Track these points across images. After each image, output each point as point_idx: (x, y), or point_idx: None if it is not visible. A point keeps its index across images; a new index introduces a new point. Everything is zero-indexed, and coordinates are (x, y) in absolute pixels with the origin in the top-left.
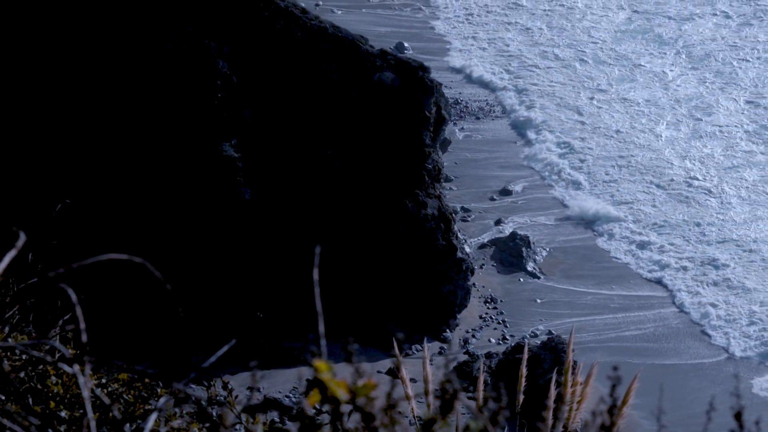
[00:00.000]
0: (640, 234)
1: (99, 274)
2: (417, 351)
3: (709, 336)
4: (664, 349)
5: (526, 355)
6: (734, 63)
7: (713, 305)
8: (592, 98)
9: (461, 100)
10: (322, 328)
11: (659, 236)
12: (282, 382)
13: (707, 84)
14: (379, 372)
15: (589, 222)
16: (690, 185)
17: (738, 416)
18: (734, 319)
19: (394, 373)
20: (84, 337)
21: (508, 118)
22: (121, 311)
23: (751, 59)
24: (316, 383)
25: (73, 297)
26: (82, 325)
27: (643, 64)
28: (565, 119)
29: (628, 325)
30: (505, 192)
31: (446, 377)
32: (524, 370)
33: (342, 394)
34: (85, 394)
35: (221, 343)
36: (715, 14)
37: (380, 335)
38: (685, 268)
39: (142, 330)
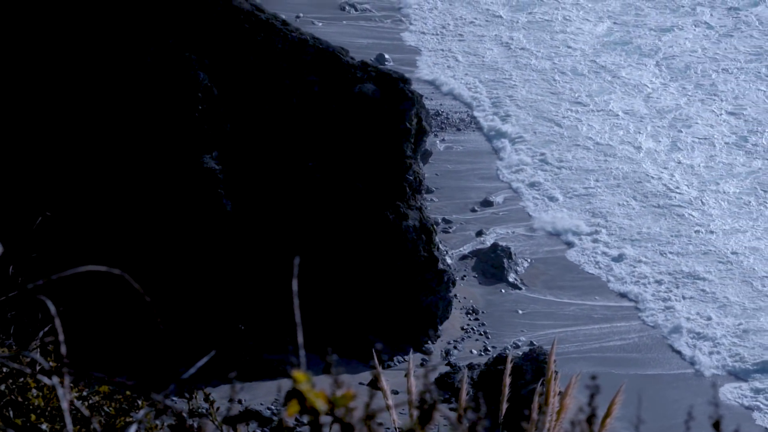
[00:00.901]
0: (616, 247)
1: (79, 287)
2: (399, 363)
3: (683, 349)
4: (646, 359)
5: (509, 366)
6: (715, 74)
7: (688, 318)
8: (570, 110)
9: (442, 112)
10: (300, 339)
11: (636, 248)
12: (264, 394)
13: (687, 95)
14: (361, 384)
15: (562, 235)
16: (668, 197)
17: (716, 425)
18: (708, 333)
19: (375, 384)
20: (63, 349)
21: (482, 131)
22: (102, 323)
23: (731, 71)
24: (294, 394)
25: (52, 309)
26: (61, 337)
27: (622, 75)
28: (542, 131)
29: (611, 335)
30: (487, 203)
31: (425, 387)
32: (507, 381)
33: (321, 404)
34: (64, 405)
35: (203, 355)
36: (696, 26)
37: (362, 347)
38: (659, 282)
39: (123, 342)
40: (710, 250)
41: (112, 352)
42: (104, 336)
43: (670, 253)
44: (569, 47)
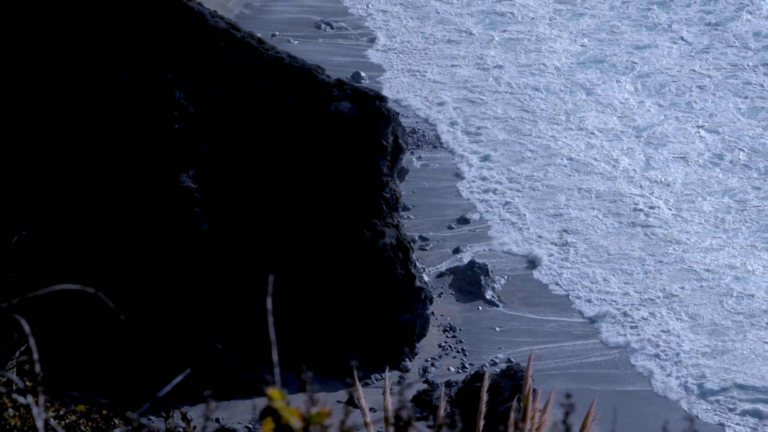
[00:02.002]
0: (587, 265)
1: (55, 305)
2: (376, 380)
3: (653, 367)
4: (624, 376)
5: (486, 384)
6: (690, 91)
7: (658, 336)
8: (544, 128)
9: (418, 129)
10: (275, 357)
11: (607, 266)
12: (242, 413)
13: (663, 113)
14: (338, 402)
15: (534, 253)
16: (643, 215)
17: None
18: (680, 351)
19: (353, 402)
20: (38, 368)
21: (453, 149)
22: (78, 342)
23: (707, 87)
24: (269, 411)
25: (27, 328)
26: (36, 356)
27: (597, 93)
28: (514, 149)
29: (589, 352)
30: (463, 220)
31: (401, 404)
32: (485, 398)
33: (295, 422)
34: (39, 424)
35: (179, 373)
36: (672, 42)
37: (339, 365)
38: (632, 300)
39: (99, 361)
40: (684, 269)
41: (89, 370)
42: (80, 355)
43: (644, 271)
44: (543, 65)
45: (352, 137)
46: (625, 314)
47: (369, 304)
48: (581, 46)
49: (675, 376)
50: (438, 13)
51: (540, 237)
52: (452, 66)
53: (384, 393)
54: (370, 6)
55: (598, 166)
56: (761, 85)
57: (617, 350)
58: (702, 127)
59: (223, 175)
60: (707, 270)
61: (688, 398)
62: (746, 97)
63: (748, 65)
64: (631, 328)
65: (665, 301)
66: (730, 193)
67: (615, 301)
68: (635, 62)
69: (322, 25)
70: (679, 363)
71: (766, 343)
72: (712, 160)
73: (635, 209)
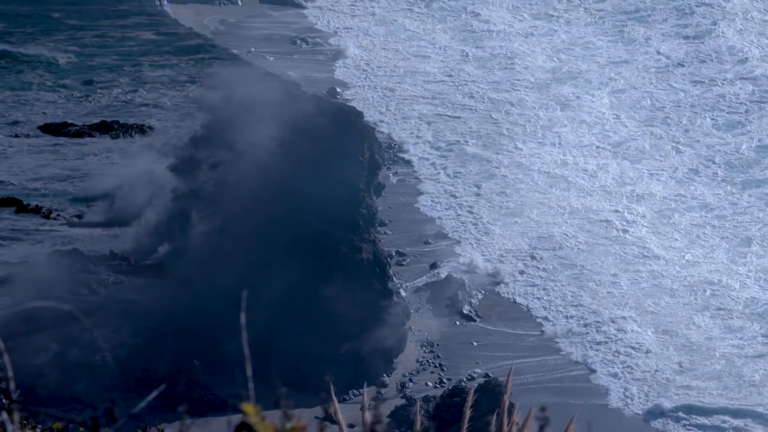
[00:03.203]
0: (558, 281)
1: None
2: (354, 396)
3: (618, 383)
4: (590, 390)
5: (470, 399)
6: (667, 106)
7: (627, 353)
8: (518, 143)
9: (395, 145)
10: (249, 372)
11: (580, 280)
12: (217, 429)
13: (640, 127)
14: (316, 417)
15: (506, 269)
16: (619, 230)
17: None
18: (649, 367)
19: (330, 417)
20: (12, 385)
21: (418, 166)
22: (53, 358)
23: (683, 102)
24: (244, 427)
25: (0, 345)
26: (10, 373)
27: (573, 107)
28: (487, 164)
29: (567, 366)
30: (440, 236)
31: (377, 419)
32: (468, 413)
33: None
34: None
35: (154, 389)
36: (648, 57)
37: (316, 380)
38: (603, 317)
39: (74, 376)
40: (659, 284)
41: (64, 387)
42: (56, 371)
43: (617, 286)
44: (518, 80)
45: (328, 152)
46: (597, 330)
47: (346, 319)
48: (556, 61)
49: (642, 393)
50: (407, 29)
51: (510, 252)
52: (424, 81)
53: (362, 408)
54: (339, 23)
55: (574, 182)
56: (736, 99)
57: (585, 366)
58: (678, 142)
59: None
60: (684, 285)
61: (653, 413)
62: (722, 111)
63: (723, 79)
64: (598, 344)
65: (639, 317)
66: (707, 208)
67: (584, 317)
68: (611, 77)
69: (298, 41)
70: (645, 380)
71: (734, 360)
72: (687, 175)
73: (609, 225)
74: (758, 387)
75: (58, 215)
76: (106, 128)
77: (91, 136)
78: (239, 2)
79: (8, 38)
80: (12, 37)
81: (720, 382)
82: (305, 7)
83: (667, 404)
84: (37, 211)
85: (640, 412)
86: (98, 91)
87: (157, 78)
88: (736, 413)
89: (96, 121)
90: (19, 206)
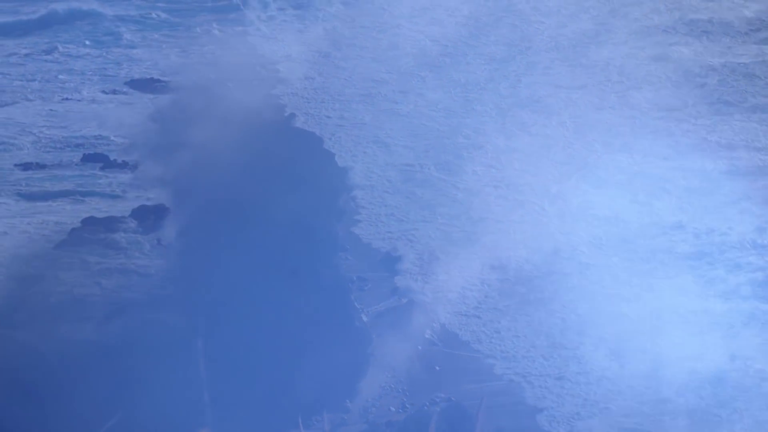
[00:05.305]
0: (517, 306)
1: None
2: (317, 422)
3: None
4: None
5: (434, 423)
6: (624, 131)
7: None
8: (474, 171)
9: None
10: (207, 397)
11: (530, 315)
12: None
13: (595, 152)
14: None
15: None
16: (573, 259)
17: None
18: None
19: None
20: None
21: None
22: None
23: (640, 127)
24: None
25: None
26: None
27: (531, 132)
28: (439, 191)
29: (528, 390)
30: (402, 260)
31: None
32: None
33: None
34: None
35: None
36: (607, 81)
37: (278, 408)
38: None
39: (39, 406)
40: (614, 312)
41: (29, 417)
42: (20, 401)
43: (580, 312)
44: (472, 107)
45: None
46: (558, 356)
47: (307, 344)
48: (512, 88)
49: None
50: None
51: (471, 277)
52: (377, 106)
53: None
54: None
55: (530, 207)
56: (694, 122)
57: (546, 390)
58: (637, 166)
59: None
60: (638, 317)
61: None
62: (682, 135)
63: (682, 101)
64: (560, 372)
65: (600, 345)
66: (668, 235)
67: (548, 343)
68: (569, 102)
69: None
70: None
71: None
72: (647, 200)
73: (559, 253)
74: None
75: None
76: None
77: None
78: None
79: None
80: None
81: None
82: None
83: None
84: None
85: None
86: None
87: None
88: None
89: None
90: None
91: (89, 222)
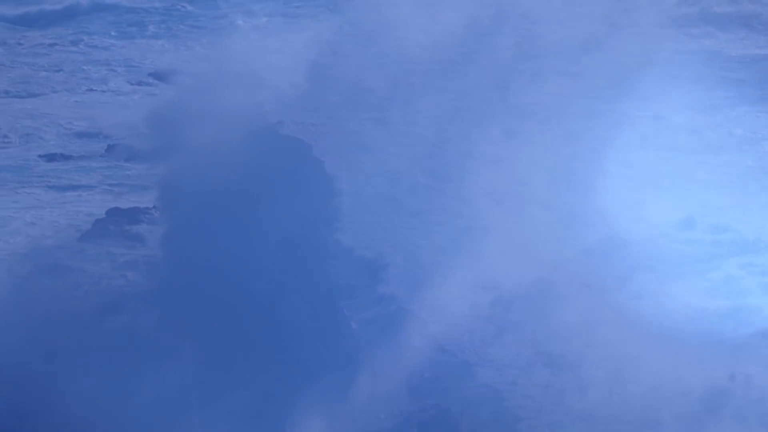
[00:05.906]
0: (508, 315)
1: None
2: (304, 430)
3: None
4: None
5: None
6: (614, 139)
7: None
8: (466, 174)
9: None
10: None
11: (508, 322)
12: None
13: (586, 160)
14: None
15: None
16: (563, 268)
17: None
18: None
19: None
20: None
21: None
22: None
23: (618, 137)
24: None
25: None
26: None
27: (520, 140)
28: (431, 195)
29: (519, 398)
30: (391, 266)
31: None
32: None
33: None
34: None
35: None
36: (595, 89)
37: (267, 416)
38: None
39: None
40: (604, 319)
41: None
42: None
43: (558, 324)
44: (462, 115)
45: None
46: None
47: (295, 351)
48: (501, 95)
49: None
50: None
51: (461, 285)
52: (358, 116)
53: None
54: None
55: (518, 216)
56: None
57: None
58: (631, 171)
59: None
60: (625, 324)
61: None
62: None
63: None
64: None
65: (570, 357)
66: (664, 239)
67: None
68: (559, 108)
69: None
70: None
71: None
72: (639, 206)
73: (548, 261)
74: None
75: None
76: None
77: None
78: None
79: None
80: None
81: None
82: None
83: None
84: None
85: None
86: None
87: None
88: None
89: None
90: None
91: (113, 213)
